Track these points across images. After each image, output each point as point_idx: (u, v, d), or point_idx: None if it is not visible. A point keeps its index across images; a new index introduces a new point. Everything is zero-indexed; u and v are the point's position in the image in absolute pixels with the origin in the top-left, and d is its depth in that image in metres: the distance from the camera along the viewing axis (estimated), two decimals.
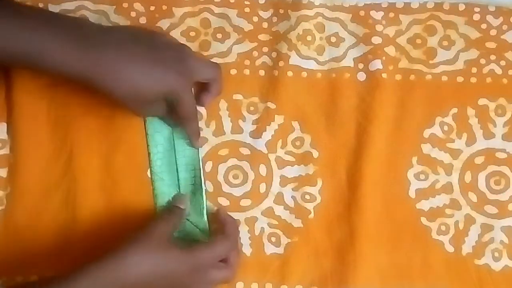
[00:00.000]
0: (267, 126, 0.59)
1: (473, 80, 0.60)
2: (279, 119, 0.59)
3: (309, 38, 0.60)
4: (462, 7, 0.60)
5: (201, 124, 0.59)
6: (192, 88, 0.56)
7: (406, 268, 0.58)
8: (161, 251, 0.51)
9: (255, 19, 0.60)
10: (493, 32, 0.60)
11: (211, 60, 0.59)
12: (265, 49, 0.60)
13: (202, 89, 0.58)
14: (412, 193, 0.59)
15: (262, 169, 0.59)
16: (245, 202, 0.59)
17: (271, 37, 0.60)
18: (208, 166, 0.59)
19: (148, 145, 0.58)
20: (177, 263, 0.51)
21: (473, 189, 0.59)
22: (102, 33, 0.51)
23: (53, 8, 0.59)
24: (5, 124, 0.58)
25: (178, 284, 0.52)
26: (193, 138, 0.57)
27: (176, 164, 0.58)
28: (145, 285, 0.49)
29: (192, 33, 0.60)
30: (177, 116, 0.55)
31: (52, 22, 0.49)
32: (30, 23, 0.49)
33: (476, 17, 0.60)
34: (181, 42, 0.59)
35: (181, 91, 0.53)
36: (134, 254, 0.49)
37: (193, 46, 0.59)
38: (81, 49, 0.49)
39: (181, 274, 0.51)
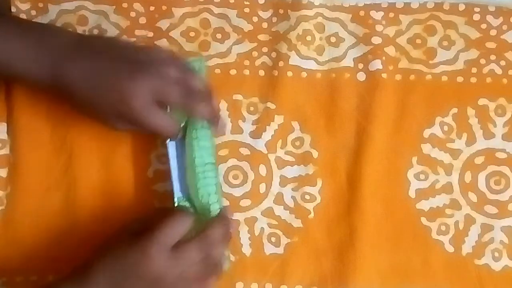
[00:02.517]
0: (267, 126, 0.59)
1: (473, 80, 0.60)
2: (279, 119, 0.59)
3: (309, 38, 0.60)
4: (462, 7, 0.60)
5: None
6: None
7: (406, 268, 0.58)
8: (121, 249, 0.49)
9: (255, 19, 0.60)
10: (493, 32, 0.60)
11: (211, 59, 0.59)
12: (265, 49, 0.60)
13: None
14: (412, 193, 0.59)
15: (262, 169, 0.59)
16: (245, 203, 0.59)
17: (270, 37, 0.60)
18: None
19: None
20: (135, 264, 0.48)
21: (473, 189, 0.59)
22: (75, 45, 0.52)
23: (53, 8, 0.59)
24: (5, 124, 0.58)
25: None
26: (212, 123, 0.54)
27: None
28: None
29: (192, 33, 0.60)
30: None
31: (25, 33, 0.51)
32: (2, 32, 0.51)
33: (476, 17, 0.60)
34: (181, 43, 0.59)
35: (135, 108, 0.50)
36: (98, 262, 0.49)
37: (193, 46, 0.60)
38: (48, 60, 0.50)
39: (143, 278, 0.48)
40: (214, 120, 0.55)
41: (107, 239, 0.52)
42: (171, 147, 0.55)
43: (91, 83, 0.51)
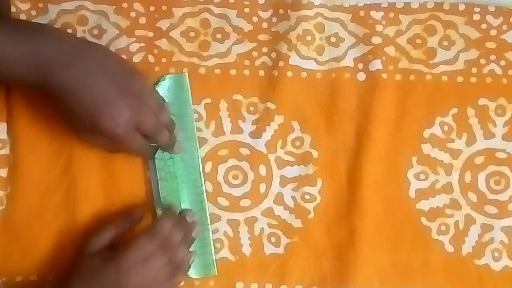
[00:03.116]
0: (267, 126, 0.59)
1: (473, 80, 0.60)
2: (279, 119, 0.59)
3: (309, 38, 0.60)
4: (462, 7, 0.60)
5: (201, 124, 0.59)
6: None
7: (406, 268, 0.58)
8: (91, 273, 0.52)
9: (255, 19, 0.60)
10: (493, 32, 0.60)
11: (211, 59, 0.60)
12: (265, 49, 0.60)
13: None
14: (412, 193, 0.59)
15: (262, 169, 0.59)
16: (245, 203, 0.59)
17: (270, 37, 0.60)
18: (208, 166, 0.59)
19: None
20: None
21: (473, 189, 0.59)
22: (70, 53, 0.52)
23: (53, 8, 0.59)
24: (5, 124, 0.58)
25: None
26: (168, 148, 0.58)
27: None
28: None
29: (192, 33, 0.60)
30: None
31: (19, 37, 0.51)
32: None
33: (476, 17, 0.60)
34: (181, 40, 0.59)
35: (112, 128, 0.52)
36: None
37: (193, 47, 0.60)
38: (34, 62, 0.50)
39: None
40: (171, 147, 0.58)
41: (68, 268, 0.54)
42: (152, 164, 0.58)
43: (78, 95, 0.51)
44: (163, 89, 0.59)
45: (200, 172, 0.59)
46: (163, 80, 0.59)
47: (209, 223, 0.58)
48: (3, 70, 0.50)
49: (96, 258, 0.52)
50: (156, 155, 0.58)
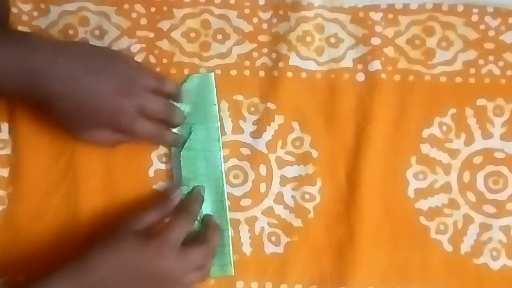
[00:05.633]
0: (267, 126, 0.59)
1: (472, 80, 0.60)
2: (279, 120, 0.60)
3: (308, 39, 0.60)
4: (460, 8, 0.60)
5: None
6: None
7: (405, 268, 0.58)
8: (129, 247, 0.51)
9: (255, 20, 0.61)
10: (491, 33, 0.60)
11: (212, 60, 0.60)
12: (265, 50, 0.60)
13: None
14: (411, 193, 0.59)
15: (262, 169, 0.59)
16: (245, 202, 0.59)
17: (271, 38, 0.60)
18: None
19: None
20: (149, 262, 0.51)
21: (471, 188, 0.59)
22: (54, 55, 0.52)
23: (54, 9, 0.59)
24: (6, 124, 0.59)
25: (151, 284, 0.52)
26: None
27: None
28: (116, 283, 0.50)
29: (193, 34, 0.60)
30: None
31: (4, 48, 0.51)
32: None
33: (475, 18, 0.60)
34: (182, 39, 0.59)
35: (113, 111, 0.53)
36: (97, 253, 0.50)
37: (194, 47, 0.60)
38: (18, 74, 0.50)
39: (153, 273, 0.51)
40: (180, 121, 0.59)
41: (104, 234, 0.53)
42: (175, 155, 0.59)
43: (67, 101, 0.52)
44: (189, 88, 0.59)
45: (222, 172, 0.58)
46: (190, 80, 0.59)
47: (229, 222, 0.58)
48: None
49: (136, 236, 0.52)
50: (175, 152, 0.59)
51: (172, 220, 0.54)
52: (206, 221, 0.58)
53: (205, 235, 0.56)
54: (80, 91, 0.52)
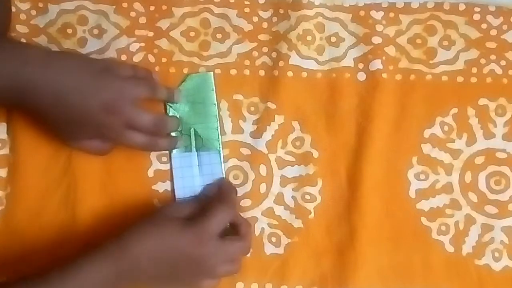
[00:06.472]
0: (267, 126, 0.59)
1: (473, 80, 0.60)
2: (279, 119, 0.59)
3: (309, 38, 0.60)
4: (462, 7, 0.60)
5: None
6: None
7: (406, 268, 0.58)
8: (168, 230, 0.52)
9: (255, 19, 0.60)
10: (493, 32, 0.60)
11: (212, 59, 0.60)
12: (265, 49, 0.60)
13: None
14: (412, 193, 0.59)
15: (263, 169, 0.59)
16: (245, 202, 0.59)
17: (271, 37, 0.60)
18: None
19: None
20: (187, 246, 0.52)
21: (473, 189, 0.59)
22: (43, 62, 0.52)
23: (53, 8, 0.59)
24: (5, 124, 0.59)
25: (184, 268, 0.52)
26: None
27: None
28: (151, 264, 0.51)
29: (192, 33, 0.60)
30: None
31: None
32: None
33: (476, 17, 0.60)
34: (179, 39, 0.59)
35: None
36: (134, 235, 0.51)
37: (193, 46, 0.60)
38: (13, 83, 0.51)
39: (189, 258, 0.52)
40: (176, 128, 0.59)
41: (138, 221, 0.53)
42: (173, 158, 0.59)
43: (55, 114, 0.53)
44: (189, 88, 0.59)
45: (222, 173, 0.58)
46: (189, 79, 0.59)
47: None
48: None
49: (176, 221, 0.53)
50: (175, 152, 0.59)
51: (213, 210, 0.53)
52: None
53: (239, 230, 0.56)
54: (68, 106, 0.52)
